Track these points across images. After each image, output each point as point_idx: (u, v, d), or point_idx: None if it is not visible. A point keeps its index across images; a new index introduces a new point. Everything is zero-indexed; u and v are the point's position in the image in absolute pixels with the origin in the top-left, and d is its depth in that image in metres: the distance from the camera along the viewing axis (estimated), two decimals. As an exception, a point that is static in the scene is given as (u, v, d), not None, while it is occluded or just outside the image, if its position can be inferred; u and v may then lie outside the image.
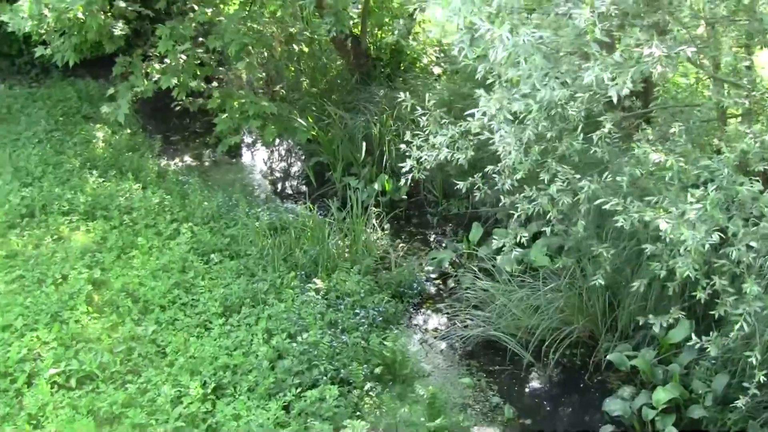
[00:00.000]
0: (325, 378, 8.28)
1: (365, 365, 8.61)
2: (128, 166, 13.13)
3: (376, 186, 12.38)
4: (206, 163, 14.46)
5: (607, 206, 6.05)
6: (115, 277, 9.94)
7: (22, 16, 11.70)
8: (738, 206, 5.89)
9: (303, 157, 14.38)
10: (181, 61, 12.59)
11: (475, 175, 7.43)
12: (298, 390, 8.02)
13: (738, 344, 7.82)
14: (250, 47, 12.67)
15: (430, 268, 10.88)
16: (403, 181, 7.54)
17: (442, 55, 15.07)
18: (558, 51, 5.23)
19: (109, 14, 12.63)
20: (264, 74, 14.63)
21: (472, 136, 6.40)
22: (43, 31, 12.26)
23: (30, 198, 11.64)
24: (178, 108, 13.82)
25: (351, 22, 13.47)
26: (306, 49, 14.50)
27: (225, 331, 8.95)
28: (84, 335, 8.94)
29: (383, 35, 15.00)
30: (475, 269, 10.19)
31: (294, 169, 14.37)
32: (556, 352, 8.97)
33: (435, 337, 9.69)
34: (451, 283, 10.56)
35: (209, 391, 8.04)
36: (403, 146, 7.39)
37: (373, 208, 11.54)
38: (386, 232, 11.47)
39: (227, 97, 13.00)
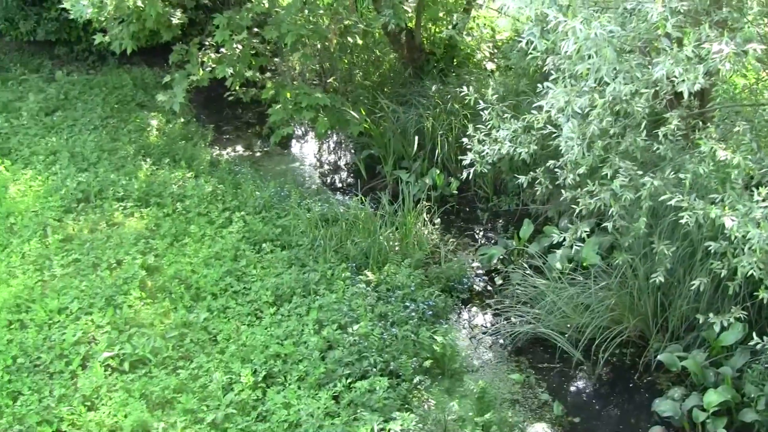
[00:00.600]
0: (374, 370, 8.31)
1: (415, 358, 8.63)
2: (181, 154, 13.28)
3: (428, 180, 12.38)
4: (258, 154, 14.54)
5: (671, 202, 6.01)
6: (168, 264, 10.05)
7: (83, 3, 11.89)
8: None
9: (353, 150, 14.44)
10: (237, 50, 12.68)
11: (537, 170, 7.41)
12: (348, 381, 8.05)
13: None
14: (306, 39, 12.72)
15: (480, 264, 10.86)
16: (464, 174, 7.54)
17: (496, 51, 15.04)
18: (626, 45, 5.20)
19: (167, 3, 12.75)
20: (318, 66, 14.68)
21: (534, 130, 6.39)
22: (102, 19, 12.43)
23: (86, 183, 11.84)
24: (231, 98, 13.93)
25: (406, 16, 13.51)
26: (360, 42, 14.52)
27: (276, 320, 9.03)
28: (137, 320, 9.06)
29: (438, 30, 14.99)
30: (525, 266, 10.17)
31: (344, 161, 14.40)
32: (605, 351, 8.91)
33: (484, 333, 9.68)
34: (499, 280, 10.53)
35: (260, 379, 8.12)
36: (464, 140, 7.39)
37: (424, 203, 11.54)
38: (436, 226, 11.48)
39: (281, 88, 13.07)
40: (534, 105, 6.11)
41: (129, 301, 9.30)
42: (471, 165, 7.23)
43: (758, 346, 7.20)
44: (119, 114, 14.79)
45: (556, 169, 6.97)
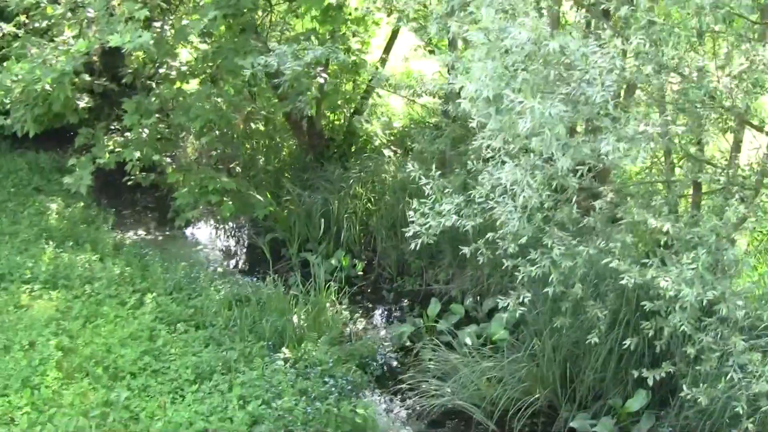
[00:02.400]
0: (301, 443, 8.50)
1: (338, 431, 8.83)
2: (85, 237, 13.25)
3: (334, 262, 12.72)
4: (160, 237, 14.63)
5: (612, 264, 6.56)
6: (84, 345, 9.99)
7: None
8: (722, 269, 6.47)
9: (255, 233, 14.61)
10: (144, 134, 12.86)
11: (479, 241, 7.86)
12: (277, 455, 8.21)
13: (694, 416, 8.40)
14: (213, 124, 13.02)
15: (390, 342, 11.19)
16: (413, 245, 7.88)
17: (392, 138, 15.62)
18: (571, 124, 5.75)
19: (74, 87, 12.85)
20: (221, 150, 14.96)
21: (476, 204, 6.86)
22: (7, 101, 12.43)
23: (-10, 266, 11.70)
24: (129, 182, 13.92)
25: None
26: (262, 128, 14.91)
27: (199, 398, 9.09)
28: (57, 400, 8.97)
29: (336, 117, 15.50)
30: (437, 342, 10.55)
31: (246, 244, 14.61)
32: (519, 421, 9.32)
33: (401, 407, 9.95)
34: (410, 357, 10.87)
35: (188, 454, 8.18)
36: (410, 213, 7.79)
37: (332, 284, 11.84)
38: (344, 306, 11.77)
39: (186, 172, 13.28)
40: (480, 178, 6.60)
41: (46, 381, 9.20)
42: (415, 236, 7.64)
43: (662, 412, 7.75)
44: (16, 197, 14.65)
45: (497, 240, 7.43)
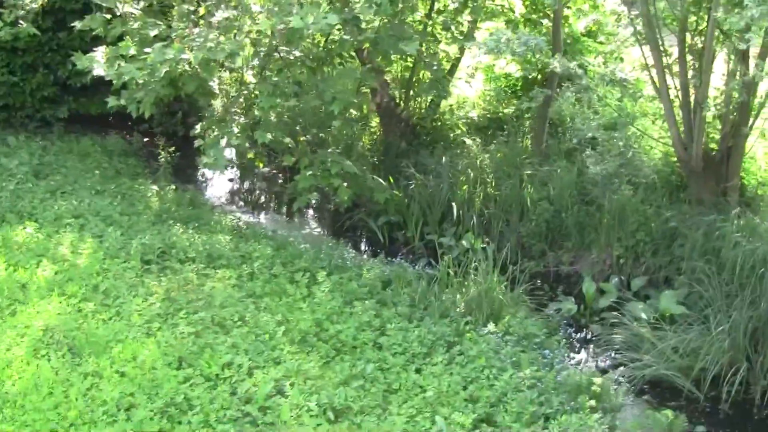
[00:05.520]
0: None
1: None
2: (203, 218, 13.28)
3: (465, 243, 13.01)
4: (261, 220, 14.72)
5: None
6: (296, 321, 10.04)
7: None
8: None
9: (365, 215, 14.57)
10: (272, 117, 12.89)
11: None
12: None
13: None
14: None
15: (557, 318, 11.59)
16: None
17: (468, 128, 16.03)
18: None
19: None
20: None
21: None
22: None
23: (148, 245, 11.58)
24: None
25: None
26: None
27: (443, 369, 9.35)
28: (322, 375, 9.08)
29: (419, 105, 15.79)
30: (606, 317, 11.06)
31: (357, 227, 14.71)
32: (725, 389, 9.91)
33: (605, 378, 10.34)
34: (583, 332, 11.36)
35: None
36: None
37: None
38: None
39: (312, 154, 13.33)
40: None
41: (298, 357, 9.30)
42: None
43: None
44: (105, 181, 14.34)
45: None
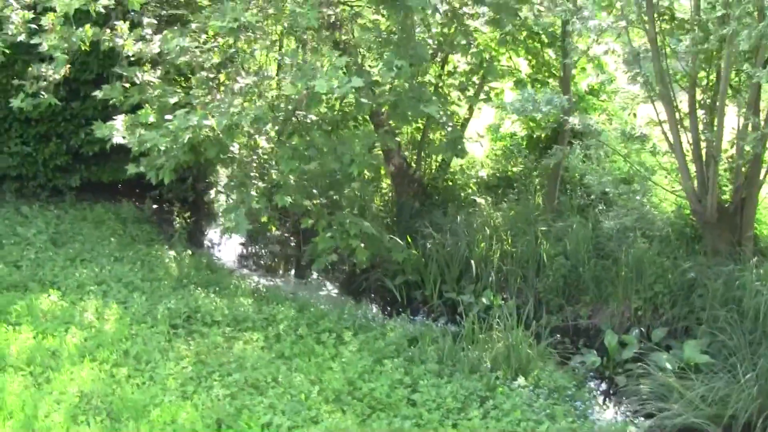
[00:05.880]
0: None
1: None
2: (222, 282, 13.32)
3: (485, 300, 13.15)
4: (278, 281, 14.82)
5: None
6: (327, 381, 10.10)
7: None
8: None
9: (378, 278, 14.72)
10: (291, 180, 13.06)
11: None
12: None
13: None
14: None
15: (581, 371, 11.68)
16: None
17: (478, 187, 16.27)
18: None
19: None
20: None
21: None
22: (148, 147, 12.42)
23: (174, 309, 11.64)
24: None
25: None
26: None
27: (481, 423, 9.41)
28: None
29: (429, 165, 16.03)
30: (647, 365, 11.13)
31: (373, 287, 14.78)
32: (759, 434, 10.02)
33: (638, 428, 10.41)
34: (606, 383, 11.45)
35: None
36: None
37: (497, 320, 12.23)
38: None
39: (330, 216, 13.48)
40: None
41: (333, 417, 9.30)
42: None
43: None
44: (121, 249, 14.42)
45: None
